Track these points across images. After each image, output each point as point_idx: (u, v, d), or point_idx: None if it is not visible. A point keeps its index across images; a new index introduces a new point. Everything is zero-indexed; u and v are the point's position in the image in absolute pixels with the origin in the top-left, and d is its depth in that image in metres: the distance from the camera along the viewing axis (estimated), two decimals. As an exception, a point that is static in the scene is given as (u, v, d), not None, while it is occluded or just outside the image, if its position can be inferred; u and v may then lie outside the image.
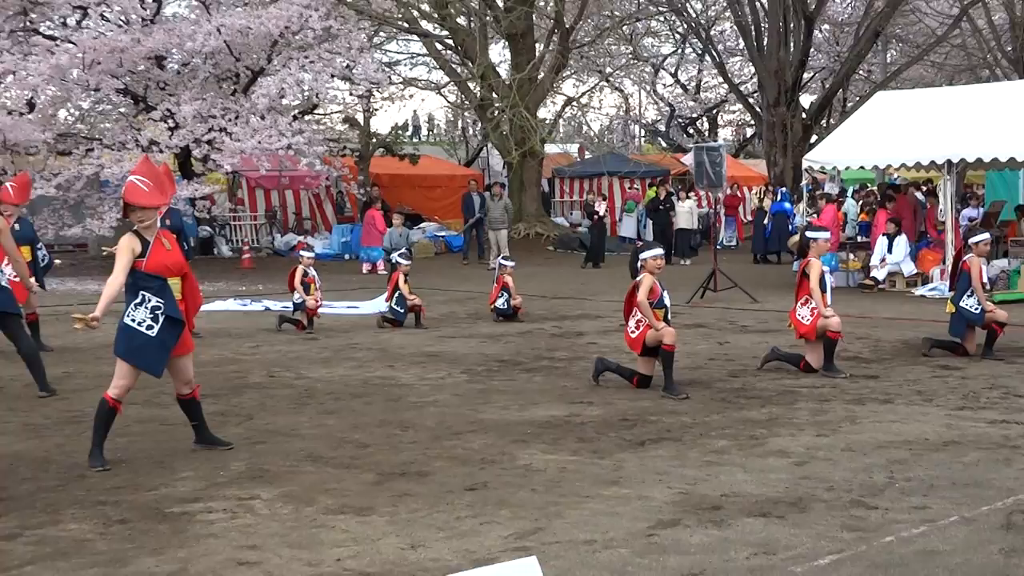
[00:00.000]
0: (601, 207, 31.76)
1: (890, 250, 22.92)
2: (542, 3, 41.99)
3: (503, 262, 18.92)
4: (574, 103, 45.49)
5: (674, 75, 58.95)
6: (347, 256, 34.08)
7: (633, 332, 11.73)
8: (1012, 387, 11.60)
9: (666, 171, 42.46)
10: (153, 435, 9.73)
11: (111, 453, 8.75)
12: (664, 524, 6.89)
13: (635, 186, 40.68)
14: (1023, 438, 9.17)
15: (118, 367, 8.63)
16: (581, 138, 53.52)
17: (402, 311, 17.83)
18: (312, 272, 17.72)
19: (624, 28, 45.49)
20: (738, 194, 40.61)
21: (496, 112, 38.38)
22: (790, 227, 30.16)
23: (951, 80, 44.28)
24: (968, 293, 13.73)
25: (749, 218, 38.17)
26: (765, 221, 31.99)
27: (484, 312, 19.17)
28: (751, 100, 46.68)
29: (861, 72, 48.06)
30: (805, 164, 23.83)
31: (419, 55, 45.65)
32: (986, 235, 14.18)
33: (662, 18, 48.42)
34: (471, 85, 39.90)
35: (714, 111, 60.60)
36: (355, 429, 9.88)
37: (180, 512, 7.33)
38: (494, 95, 38.94)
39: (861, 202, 30.11)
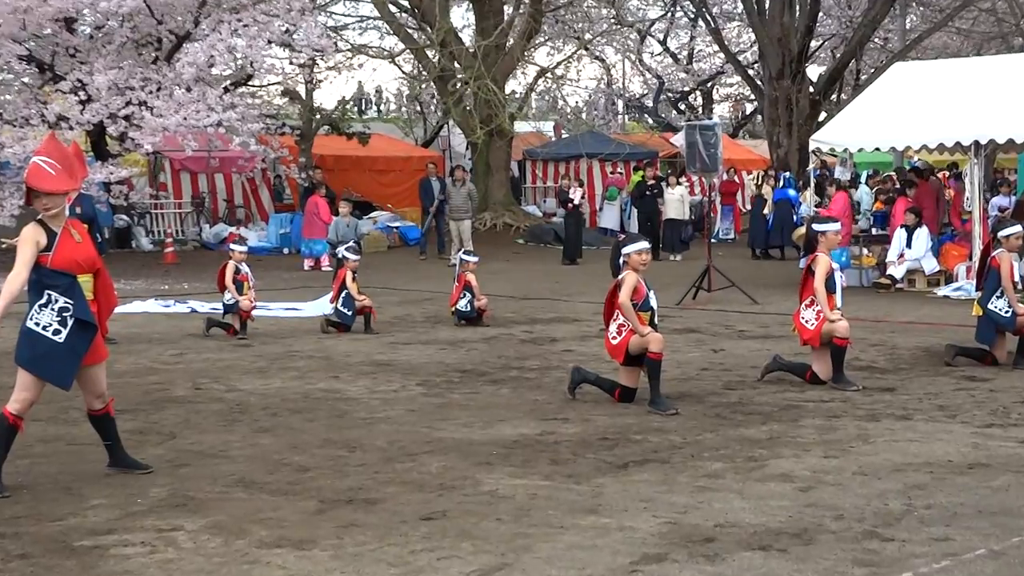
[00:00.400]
0: (576, 194, 31.60)
1: (909, 244, 23.03)
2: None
3: (464, 257, 18.93)
4: (548, 74, 45.48)
5: (663, 43, 59.03)
6: (286, 250, 33.98)
7: (614, 338, 11.74)
8: (1047, 401, 11.69)
9: (654, 153, 42.51)
10: (60, 457, 9.69)
11: (11, 477, 8.69)
12: (649, 559, 6.90)
13: (618, 170, 40.76)
14: (1059, 460, 9.24)
15: (20, 378, 8.58)
16: (556, 115, 53.51)
17: (349, 313, 17.81)
18: (245, 269, 17.67)
19: (606, -12, 45.51)
20: (736, 179, 40.68)
21: (458, 84, 38.33)
22: (795, 218, 30.25)
23: (979, 49, 44.52)
24: (997, 294, 13.79)
25: (748, 207, 38.31)
26: (765, 211, 32.07)
27: (444, 315, 19.16)
28: (751, 72, 46.78)
29: (876, 40, 48.24)
30: (812, 145, 23.93)
31: (369, 18, 45.60)
32: (1018, 227, 14.22)
33: (649, -23, 48.53)
34: (430, 53, 39.83)
35: (709, 84, 60.69)
36: (294, 450, 9.86)
37: (91, 546, 7.29)
38: (456, 65, 38.88)
39: (876, 189, 30.24)
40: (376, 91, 61.93)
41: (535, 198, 44.55)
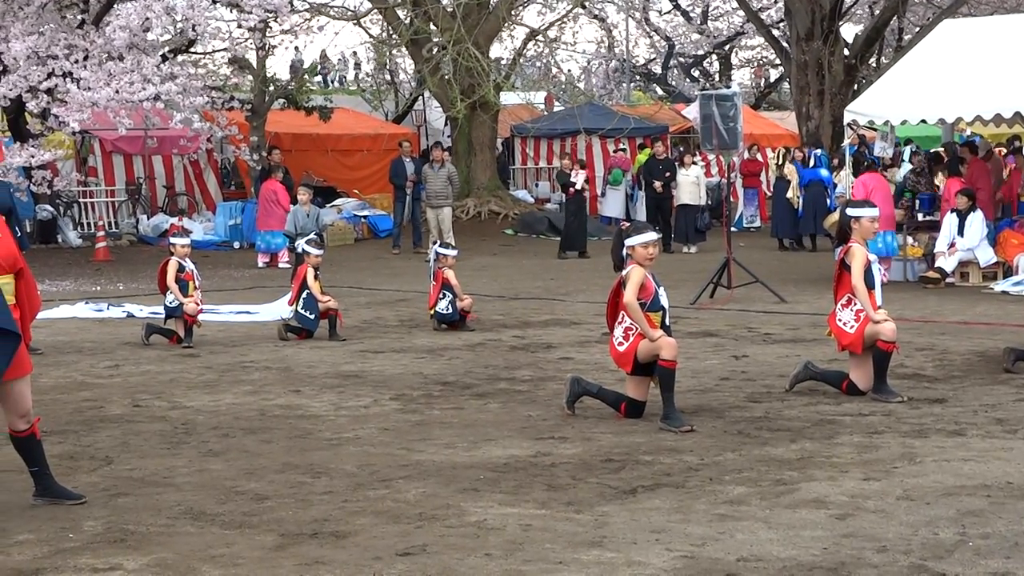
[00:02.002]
0: (579, 178, 31.46)
1: (961, 232, 23.03)
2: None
3: (441, 251, 18.84)
4: (539, 37, 45.48)
5: (673, -1, 59.15)
6: (237, 244, 34.00)
7: (620, 344, 11.75)
8: (1121, 412, 11.73)
9: (663, 127, 42.55)
10: (-23, 486, 9.70)
11: (-79, 511, 8.73)
12: (662, 598, 6.94)
13: (622, 148, 40.74)
14: None
15: (-71, 396, 8.59)
16: (549, 85, 53.49)
17: (312, 317, 17.80)
18: (190, 266, 17.66)
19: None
20: (759, 158, 40.74)
21: (435, 49, 38.31)
22: (828, 202, 30.28)
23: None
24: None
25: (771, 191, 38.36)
26: (789, 194, 32.02)
27: (421, 318, 19.18)
28: (776, 32, 46.80)
29: (922, -7, 48.31)
30: (848, 117, 23.93)
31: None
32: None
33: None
34: (401, 13, 39.82)
35: (727, 47, 60.78)
36: (249, 476, 9.88)
37: (15, 589, 7.32)
38: (432, 26, 38.86)
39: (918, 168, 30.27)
40: (321, 56, 61.70)
41: (525, 181, 44.53)
